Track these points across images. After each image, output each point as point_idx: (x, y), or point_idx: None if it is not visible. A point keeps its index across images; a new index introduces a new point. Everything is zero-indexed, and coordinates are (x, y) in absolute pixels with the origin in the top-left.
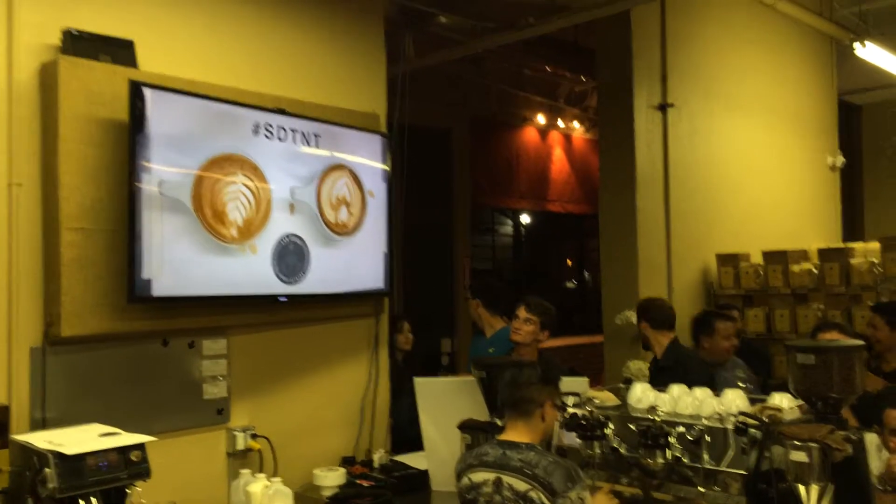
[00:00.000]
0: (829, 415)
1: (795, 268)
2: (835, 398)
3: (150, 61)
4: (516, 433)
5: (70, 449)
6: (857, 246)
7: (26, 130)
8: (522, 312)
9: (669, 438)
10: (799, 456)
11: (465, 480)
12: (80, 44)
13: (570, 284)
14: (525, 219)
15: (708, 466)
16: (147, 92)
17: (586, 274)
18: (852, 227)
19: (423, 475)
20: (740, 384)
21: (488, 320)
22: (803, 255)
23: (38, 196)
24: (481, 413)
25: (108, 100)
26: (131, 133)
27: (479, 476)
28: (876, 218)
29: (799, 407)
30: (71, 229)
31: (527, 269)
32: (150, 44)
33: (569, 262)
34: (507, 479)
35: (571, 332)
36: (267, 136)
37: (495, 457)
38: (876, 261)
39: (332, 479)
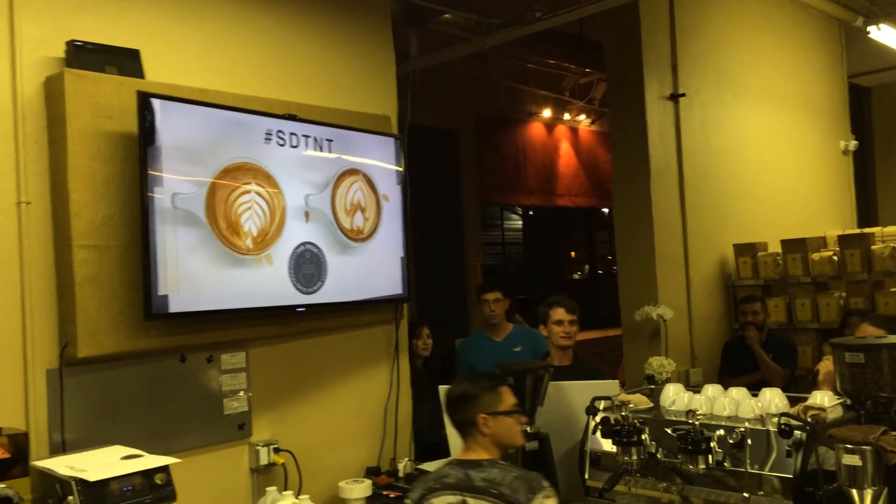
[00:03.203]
0: (880, 415)
1: (815, 256)
2: (885, 398)
3: (157, 71)
4: (474, 451)
5: (93, 475)
6: (876, 231)
7: (33, 147)
8: (564, 314)
9: (711, 443)
10: (852, 459)
11: None
12: (84, 55)
13: (576, 276)
14: (533, 214)
15: (752, 471)
16: (156, 103)
17: (597, 267)
18: (865, 211)
19: None
20: None
21: (506, 322)
22: (822, 243)
23: (48, 214)
24: None
25: (115, 112)
26: (141, 145)
27: (441, 500)
28: (889, 201)
29: (841, 405)
30: (83, 247)
31: (535, 265)
32: (156, 53)
33: (573, 255)
34: (473, 501)
35: (584, 327)
36: (279, 143)
37: (457, 478)
38: None
39: (358, 491)
